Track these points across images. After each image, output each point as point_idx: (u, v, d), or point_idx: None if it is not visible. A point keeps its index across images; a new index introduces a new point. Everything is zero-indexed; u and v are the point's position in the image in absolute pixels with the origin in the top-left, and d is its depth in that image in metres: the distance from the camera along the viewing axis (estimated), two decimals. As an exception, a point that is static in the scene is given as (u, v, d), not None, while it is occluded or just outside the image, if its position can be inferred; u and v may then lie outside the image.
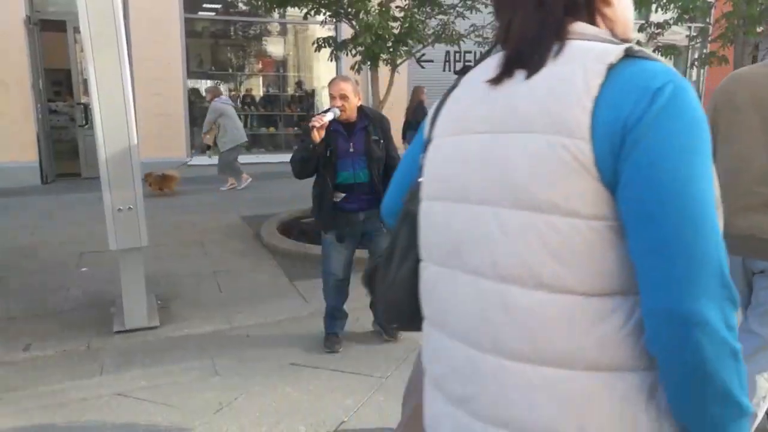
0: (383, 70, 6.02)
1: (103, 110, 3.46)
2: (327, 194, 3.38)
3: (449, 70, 11.15)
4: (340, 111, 3.28)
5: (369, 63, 5.84)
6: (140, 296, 3.88)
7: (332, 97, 3.31)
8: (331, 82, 3.38)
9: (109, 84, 3.45)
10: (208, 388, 3.19)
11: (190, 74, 10.03)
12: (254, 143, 11.02)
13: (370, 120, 3.40)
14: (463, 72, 1.03)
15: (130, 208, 3.62)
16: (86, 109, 9.48)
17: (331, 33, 8.67)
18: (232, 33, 10.95)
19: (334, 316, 3.67)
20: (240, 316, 4.12)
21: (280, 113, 11.19)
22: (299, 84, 11.46)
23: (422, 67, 10.65)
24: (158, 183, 8.17)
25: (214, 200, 7.76)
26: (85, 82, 9.49)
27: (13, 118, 8.34)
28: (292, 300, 4.45)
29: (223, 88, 10.90)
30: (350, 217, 3.42)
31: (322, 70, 11.20)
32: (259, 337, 3.79)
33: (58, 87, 11.57)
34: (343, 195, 3.38)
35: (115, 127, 3.51)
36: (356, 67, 5.94)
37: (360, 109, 3.40)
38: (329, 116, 3.22)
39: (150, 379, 3.28)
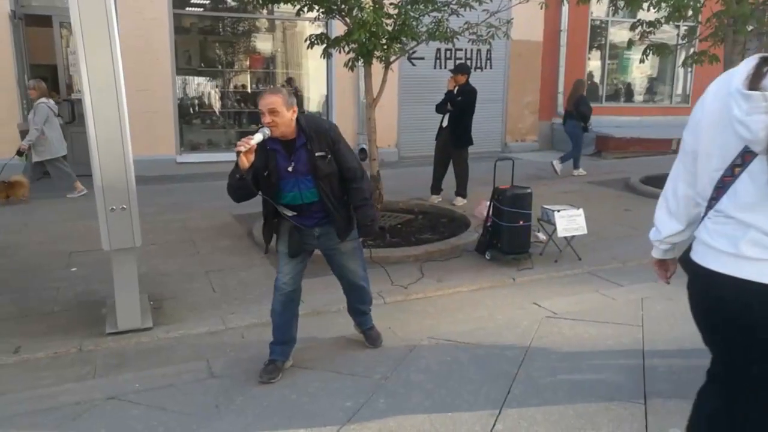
0: (375, 68, 5.97)
1: (95, 108, 3.38)
2: (272, 213, 3.13)
3: (440, 68, 11.10)
4: (271, 129, 2.92)
5: (362, 60, 5.79)
6: (133, 297, 3.81)
7: (261, 114, 2.94)
8: (260, 96, 3.02)
9: (102, 81, 3.37)
10: (205, 390, 3.14)
11: (179, 71, 9.90)
12: (244, 140, 10.87)
13: (309, 135, 3.01)
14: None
15: (123, 207, 3.54)
16: (73, 105, 9.32)
17: (322, 30, 8.61)
18: (220, 29, 10.83)
19: (278, 338, 3.29)
20: (234, 317, 4.07)
21: (270, 110, 11.07)
22: (289, 81, 11.36)
23: (413, 65, 10.59)
24: (5, 190, 7.38)
25: (202, 199, 7.65)
26: (72, 78, 9.37)
27: (-2, 114, 8.19)
28: (287, 300, 4.40)
29: (210, 84, 10.78)
30: (304, 231, 3.16)
31: (311, 67, 11.12)
32: (254, 338, 3.74)
33: (44, 83, 11.39)
34: (294, 213, 3.11)
35: (108, 125, 3.43)
36: (349, 64, 5.89)
37: (297, 123, 3.01)
38: (257, 138, 2.89)
39: (144, 382, 3.22)
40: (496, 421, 2.82)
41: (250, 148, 2.87)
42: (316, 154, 3.01)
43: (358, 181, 3.16)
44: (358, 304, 3.57)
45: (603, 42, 13.23)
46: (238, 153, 2.86)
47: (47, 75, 11.01)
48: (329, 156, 3.05)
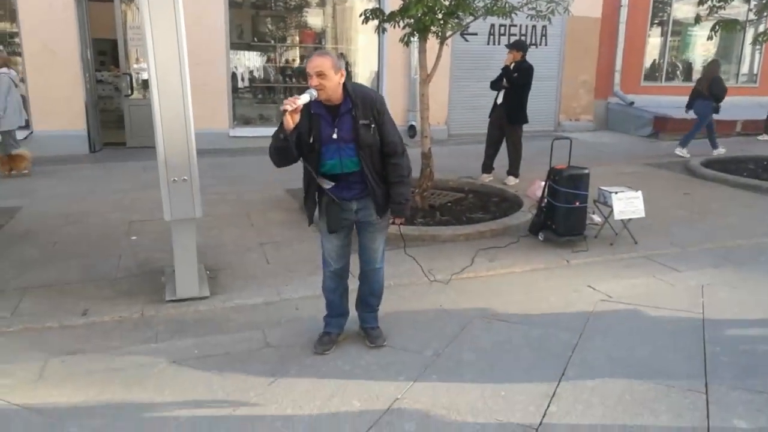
0: (429, 43, 5.88)
1: (160, 82, 3.46)
2: (313, 185, 3.08)
3: (494, 44, 10.87)
4: (317, 91, 2.85)
5: (417, 36, 5.71)
6: (192, 266, 3.93)
7: (309, 76, 2.86)
8: (307, 58, 2.95)
9: (167, 55, 3.44)
10: (261, 359, 3.22)
11: (232, 45, 10.01)
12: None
13: (355, 102, 2.93)
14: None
15: (185, 179, 3.63)
16: (132, 79, 9.58)
17: (372, 4, 8.52)
18: (272, 4, 10.87)
19: (331, 312, 3.39)
20: (288, 288, 4.15)
21: (320, 85, 11.10)
22: (340, 56, 11.34)
23: (466, 40, 10.42)
24: (7, 163, 7.38)
25: (255, 172, 7.77)
26: (129, 52, 9.62)
27: (63, 87, 8.48)
28: (339, 274, 4.45)
29: (262, 58, 10.85)
30: (342, 205, 3.09)
31: (361, 42, 11.06)
32: (308, 310, 3.80)
33: (103, 57, 11.76)
34: (333, 183, 3.04)
35: (171, 99, 3.51)
36: (405, 39, 5.82)
37: (344, 88, 2.94)
38: (304, 98, 2.82)
39: (203, 349, 3.34)
40: (550, 403, 2.80)
41: (296, 107, 2.79)
42: (361, 122, 2.93)
43: (398, 157, 3.07)
44: (369, 295, 3.40)
45: (665, 18, 12.65)
46: (284, 112, 2.79)
47: (107, 49, 11.40)
48: (373, 125, 2.96)
